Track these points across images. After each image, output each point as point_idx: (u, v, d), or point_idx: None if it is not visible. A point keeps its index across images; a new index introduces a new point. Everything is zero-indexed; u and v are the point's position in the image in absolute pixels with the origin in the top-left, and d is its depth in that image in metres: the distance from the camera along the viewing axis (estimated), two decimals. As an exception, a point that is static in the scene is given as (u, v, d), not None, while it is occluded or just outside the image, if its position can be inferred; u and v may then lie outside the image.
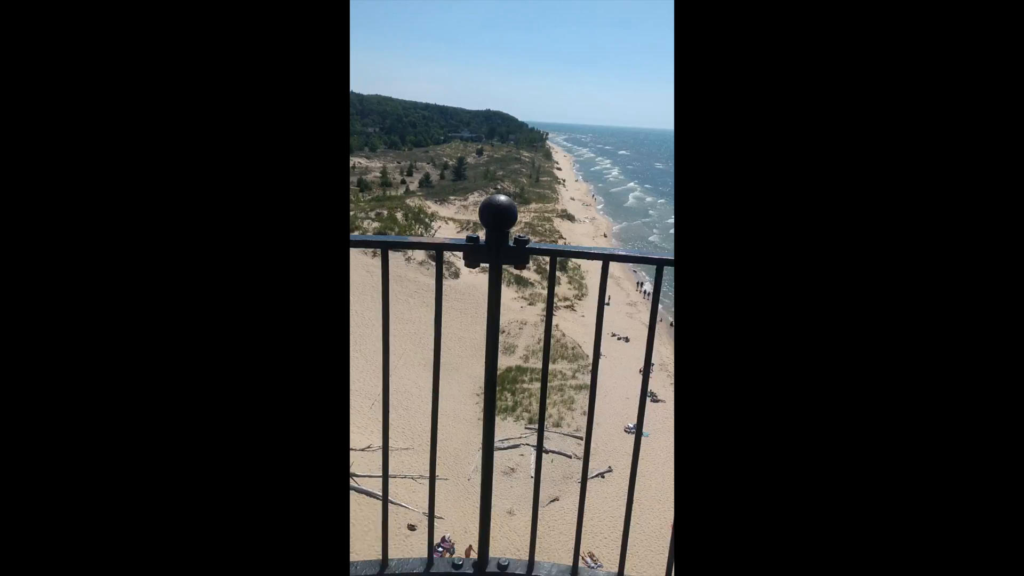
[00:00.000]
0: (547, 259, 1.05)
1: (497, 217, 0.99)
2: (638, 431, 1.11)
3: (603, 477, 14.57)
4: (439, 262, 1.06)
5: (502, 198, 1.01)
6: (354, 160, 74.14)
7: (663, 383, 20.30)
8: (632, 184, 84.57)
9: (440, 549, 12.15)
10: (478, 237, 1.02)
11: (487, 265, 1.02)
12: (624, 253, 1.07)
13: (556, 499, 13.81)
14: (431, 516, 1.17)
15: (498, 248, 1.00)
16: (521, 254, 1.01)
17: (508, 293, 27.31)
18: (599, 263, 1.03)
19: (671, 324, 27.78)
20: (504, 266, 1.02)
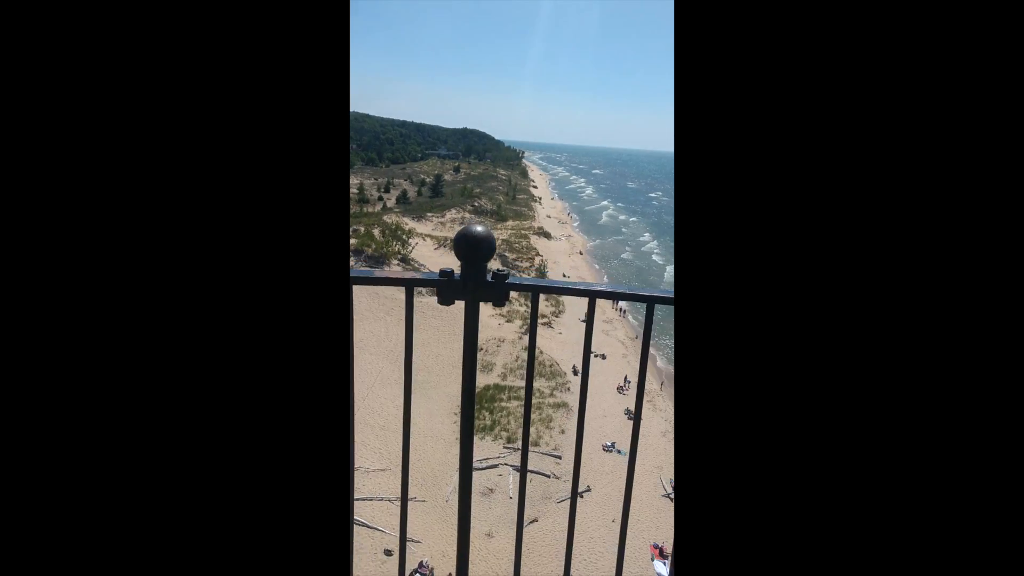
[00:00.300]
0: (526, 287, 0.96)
1: (473, 250, 0.90)
2: (628, 484, 1.04)
3: (581, 496, 14.46)
4: (409, 298, 0.98)
5: (478, 228, 0.91)
6: (330, 176, 73.16)
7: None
8: (606, 202, 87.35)
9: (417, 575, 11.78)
10: (452, 271, 0.94)
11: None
12: (610, 289, 0.95)
13: (535, 520, 13.61)
14: (402, 541, 1.12)
15: (475, 284, 0.92)
16: (500, 290, 0.92)
17: (485, 310, 27.21)
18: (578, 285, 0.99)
19: (636, 337, 28.05)
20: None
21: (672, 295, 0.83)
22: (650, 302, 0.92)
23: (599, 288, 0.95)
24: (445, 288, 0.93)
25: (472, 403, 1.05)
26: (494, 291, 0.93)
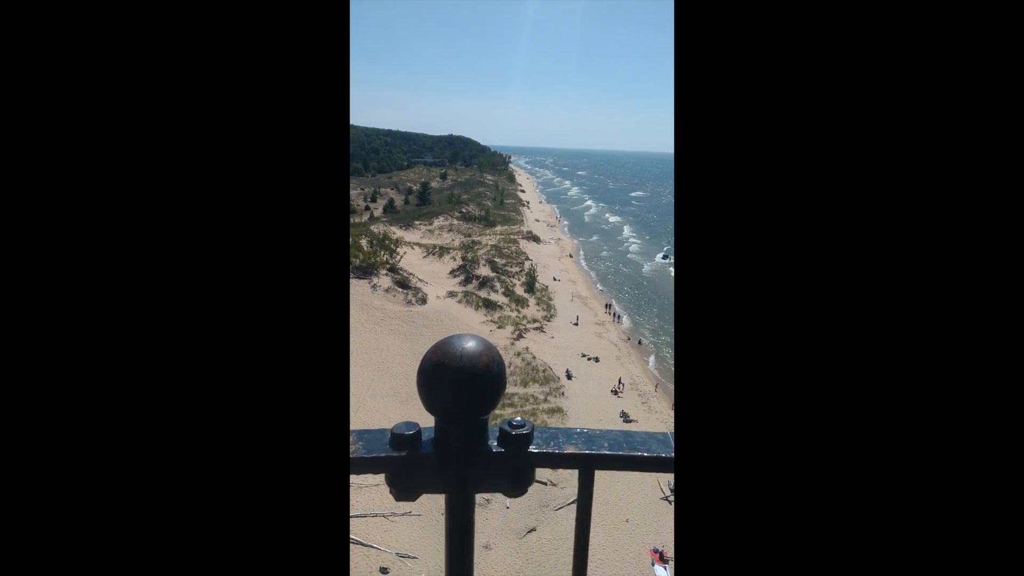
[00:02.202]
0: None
1: (463, 391, 0.48)
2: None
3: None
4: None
5: (469, 344, 0.50)
6: (315, 187, 73.26)
7: (634, 402, 20.34)
8: (589, 202, 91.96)
9: (414, 590, 11.51)
10: (416, 429, 0.52)
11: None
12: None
13: (533, 529, 13.42)
14: None
15: (466, 460, 0.50)
16: (518, 469, 0.51)
17: (476, 317, 27.02)
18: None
19: (640, 342, 28.09)
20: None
21: None
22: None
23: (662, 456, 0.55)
24: (405, 470, 0.50)
25: None
26: (506, 471, 0.50)
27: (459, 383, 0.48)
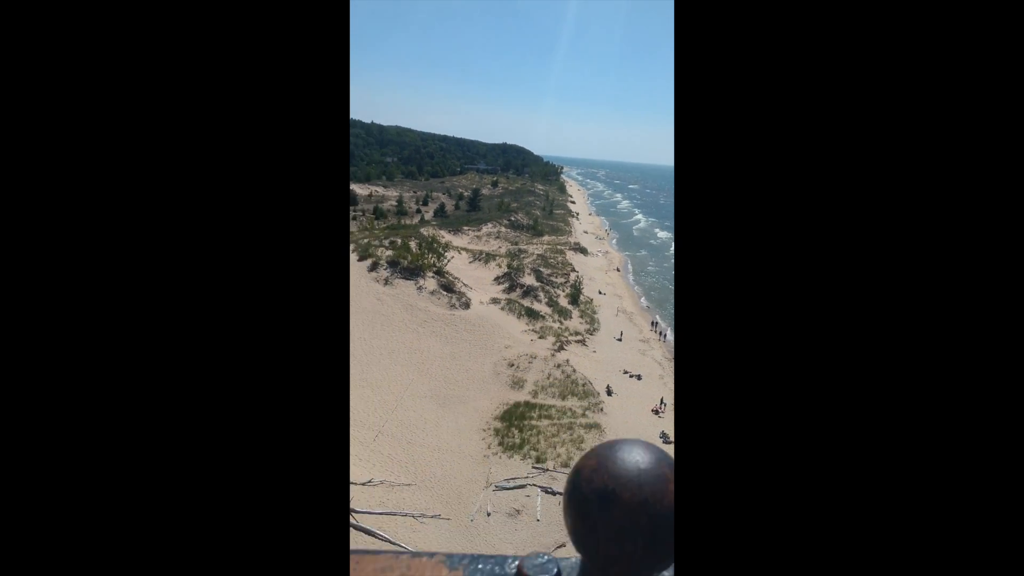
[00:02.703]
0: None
1: (641, 537, 0.36)
2: None
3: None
4: None
5: (646, 462, 0.38)
6: (371, 188, 76.33)
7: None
8: (639, 216, 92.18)
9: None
10: (554, 569, 0.40)
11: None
12: None
13: (563, 544, 13.19)
14: None
15: None
16: None
17: (518, 326, 27.06)
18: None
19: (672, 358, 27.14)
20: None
21: None
22: None
23: None
24: None
25: None
26: None
27: (633, 525, 0.34)
